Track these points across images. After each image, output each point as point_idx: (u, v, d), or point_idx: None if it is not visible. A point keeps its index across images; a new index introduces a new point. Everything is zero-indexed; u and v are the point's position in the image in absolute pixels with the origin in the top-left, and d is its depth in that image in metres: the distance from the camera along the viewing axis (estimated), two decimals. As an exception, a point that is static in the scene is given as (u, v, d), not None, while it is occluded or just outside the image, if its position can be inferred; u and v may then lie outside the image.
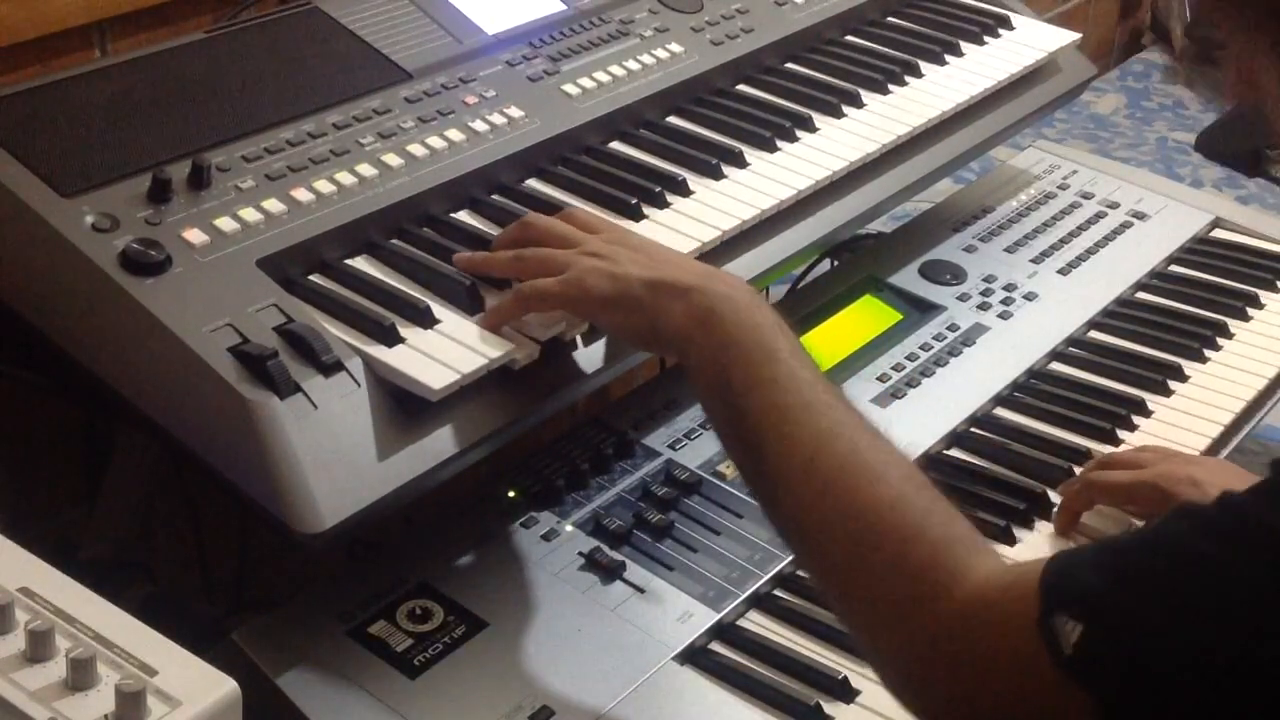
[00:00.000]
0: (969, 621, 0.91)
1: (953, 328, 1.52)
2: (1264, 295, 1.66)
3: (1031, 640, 0.85)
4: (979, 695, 0.90)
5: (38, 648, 0.79)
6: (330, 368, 1.02)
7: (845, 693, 1.10)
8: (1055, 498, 1.31)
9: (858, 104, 1.48)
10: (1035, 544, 1.27)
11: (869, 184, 1.42)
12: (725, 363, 1.02)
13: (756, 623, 1.17)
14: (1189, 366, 1.53)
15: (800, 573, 1.21)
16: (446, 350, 1.06)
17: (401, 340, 1.07)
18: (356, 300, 1.10)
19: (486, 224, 1.22)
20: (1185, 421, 1.43)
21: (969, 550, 0.94)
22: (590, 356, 1.16)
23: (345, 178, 1.16)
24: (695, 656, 1.13)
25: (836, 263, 1.73)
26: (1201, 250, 1.74)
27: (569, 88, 1.34)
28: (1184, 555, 0.83)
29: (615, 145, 1.36)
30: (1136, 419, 1.43)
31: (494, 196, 1.25)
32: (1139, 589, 0.83)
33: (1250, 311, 1.63)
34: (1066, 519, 1.29)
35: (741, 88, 1.49)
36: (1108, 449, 1.38)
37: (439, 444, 1.05)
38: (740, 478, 1.27)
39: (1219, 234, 1.79)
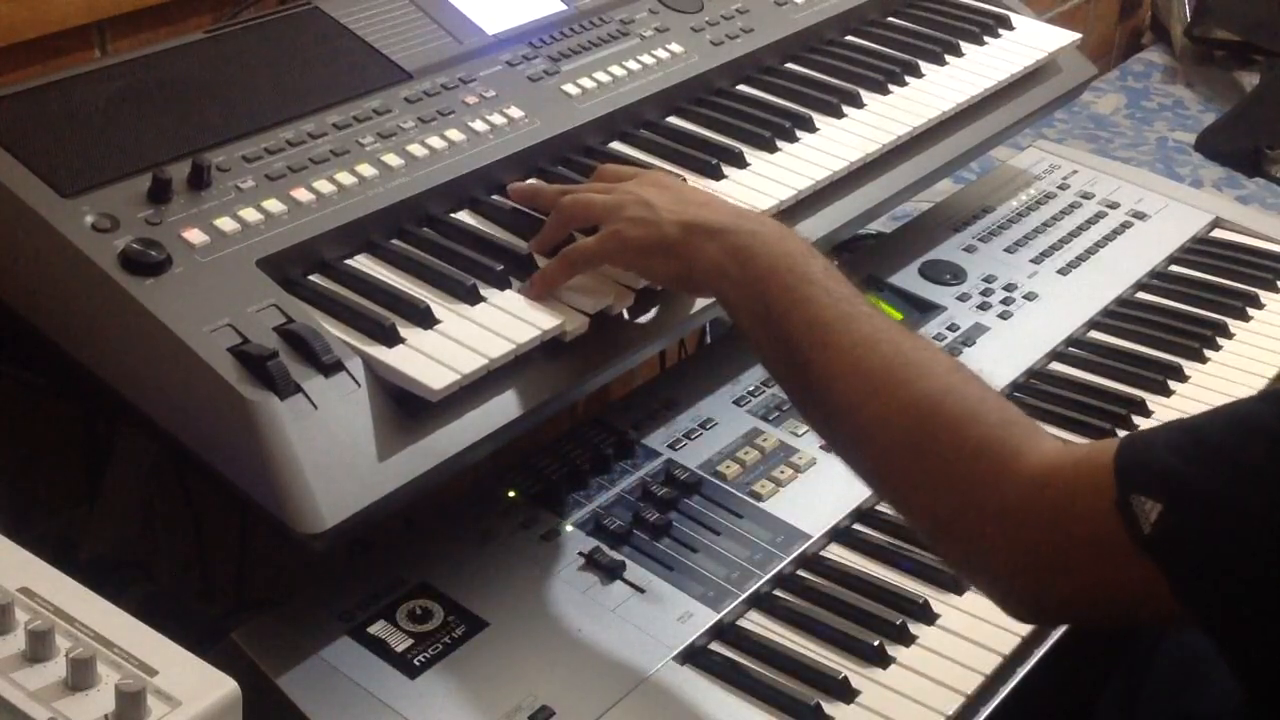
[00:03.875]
0: (1037, 498, 0.91)
1: (953, 328, 1.52)
2: (1264, 295, 1.66)
3: (1108, 519, 0.86)
4: (1054, 573, 0.91)
5: (38, 648, 0.79)
6: (330, 368, 1.02)
7: (845, 693, 1.10)
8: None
9: (858, 104, 1.48)
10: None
11: (869, 184, 1.42)
12: (762, 291, 1.06)
13: (756, 623, 1.17)
14: (1189, 366, 1.53)
15: (800, 572, 1.21)
16: (446, 350, 1.06)
17: (401, 340, 1.07)
18: (356, 300, 1.10)
19: (486, 224, 1.22)
20: (1185, 421, 1.43)
21: (1026, 431, 0.95)
22: (589, 357, 1.16)
23: (345, 178, 1.16)
24: (695, 656, 1.13)
25: (836, 263, 1.73)
26: (1201, 250, 1.74)
27: (569, 88, 1.34)
28: (1265, 433, 0.84)
29: (615, 145, 1.36)
30: (1136, 419, 1.43)
31: (494, 197, 1.25)
32: (1220, 467, 0.84)
33: (1250, 311, 1.63)
34: None
35: (741, 88, 1.49)
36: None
37: (439, 444, 1.05)
38: (741, 476, 1.28)
39: (1219, 234, 1.79)
